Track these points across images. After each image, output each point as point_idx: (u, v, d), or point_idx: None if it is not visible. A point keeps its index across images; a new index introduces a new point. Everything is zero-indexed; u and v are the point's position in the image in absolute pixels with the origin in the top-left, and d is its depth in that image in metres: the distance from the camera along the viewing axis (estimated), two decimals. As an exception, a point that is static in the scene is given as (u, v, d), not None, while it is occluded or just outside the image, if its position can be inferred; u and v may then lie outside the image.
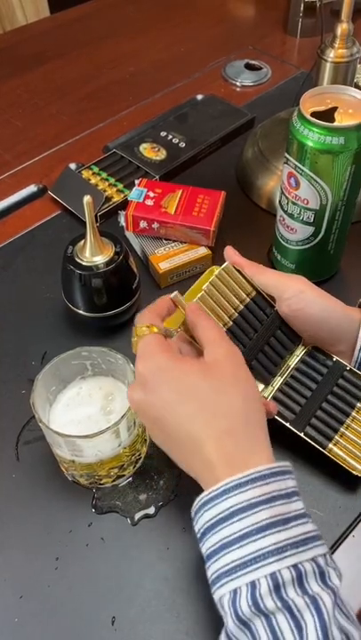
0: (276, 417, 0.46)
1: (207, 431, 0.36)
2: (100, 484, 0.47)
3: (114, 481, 0.47)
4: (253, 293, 0.48)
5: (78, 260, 0.52)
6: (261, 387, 0.48)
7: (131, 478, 0.48)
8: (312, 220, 0.54)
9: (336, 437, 0.46)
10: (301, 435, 0.46)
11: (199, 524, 0.35)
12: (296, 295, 0.47)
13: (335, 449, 0.46)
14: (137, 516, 0.46)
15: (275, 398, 0.48)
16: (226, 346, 0.40)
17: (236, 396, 0.37)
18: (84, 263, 0.52)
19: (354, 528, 0.45)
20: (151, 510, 0.46)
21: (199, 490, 0.47)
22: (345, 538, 0.45)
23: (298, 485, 0.35)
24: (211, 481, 0.35)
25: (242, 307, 0.47)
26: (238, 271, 0.48)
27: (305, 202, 0.52)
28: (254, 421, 0.37)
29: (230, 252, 0.48)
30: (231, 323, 0.47)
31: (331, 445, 0.46)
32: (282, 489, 0.34)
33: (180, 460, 0.38)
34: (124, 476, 0.48)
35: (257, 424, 0.37)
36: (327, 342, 0.49)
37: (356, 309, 0.48)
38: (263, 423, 0.38)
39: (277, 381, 0.49)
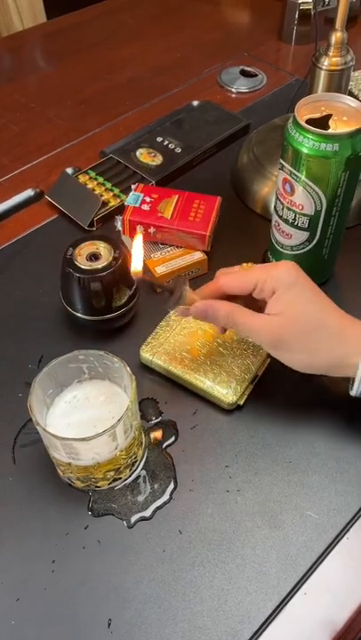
0: None
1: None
2: (97, 487, 0.48)
3: (110, 484, 0.48)
4: None
5: (77, 263, 0.53)
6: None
7: (127, 481, 0.48)
8: (307, 226, 0.54)
9: None
10: None
11: None
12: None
13: None
14: (133, 518, 0.46)
15: None
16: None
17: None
18: (83, 266, 0.53)
19: (348, 531, 0.46)
20: (147, 513, 0.47)
21: (195, 494, 0.48)
22: (339, 540, 0.45)
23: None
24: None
25: None
26: None
27: (300, 207, 0.53)
28: None
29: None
30: None
31: None
32: None
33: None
34: (120, 478, 0.48)
35: None
36: None
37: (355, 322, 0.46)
38: None
39: None
